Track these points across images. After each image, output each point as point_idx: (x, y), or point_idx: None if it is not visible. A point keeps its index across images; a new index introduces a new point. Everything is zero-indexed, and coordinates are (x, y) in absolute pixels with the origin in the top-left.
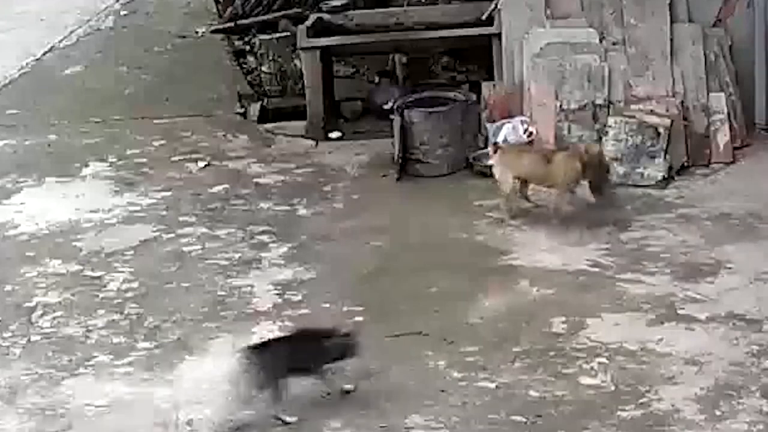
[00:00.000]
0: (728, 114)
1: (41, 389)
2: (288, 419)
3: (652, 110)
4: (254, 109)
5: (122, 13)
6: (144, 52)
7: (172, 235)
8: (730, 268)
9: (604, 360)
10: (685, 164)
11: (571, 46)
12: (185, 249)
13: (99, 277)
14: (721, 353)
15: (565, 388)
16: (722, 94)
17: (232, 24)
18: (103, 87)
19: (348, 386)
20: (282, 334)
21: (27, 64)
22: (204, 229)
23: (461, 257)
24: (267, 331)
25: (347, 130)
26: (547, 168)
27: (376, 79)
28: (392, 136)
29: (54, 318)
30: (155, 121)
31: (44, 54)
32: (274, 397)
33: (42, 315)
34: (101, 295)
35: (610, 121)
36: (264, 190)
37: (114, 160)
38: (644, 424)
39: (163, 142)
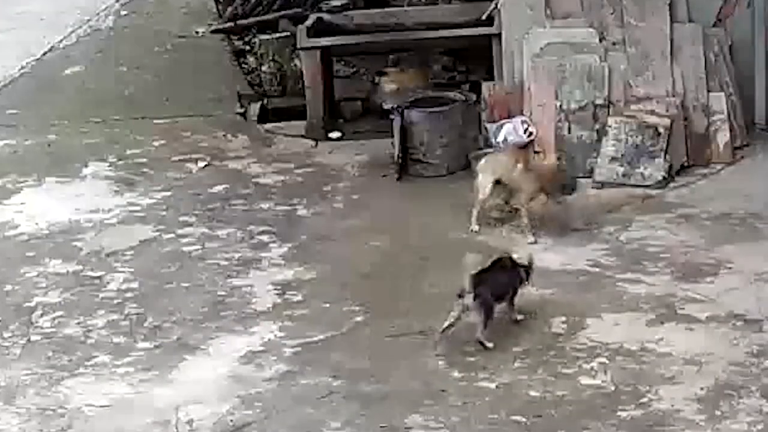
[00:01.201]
0: (728, 114)
1: (41, 389)
2: (488, 345)
3: (652, 110)
4: (254, 109)
5: (122, 13)
6: (144, 52)
7: (172, 235)
8: (730, 268)
9: (604, 360)
10: (685, 164)
11: (571, 46)
12: (185, 249)
13: (99, 277)
14: (721, 353)
15: (565, 388)
16: (722, 94)
17: (232, 24)
18: (103, 87)
19: (520, 316)
20: (486, 265)
21: (27, 64)
22: (204, 229)
23: (461, 257)
24: (268, 331)
25: (347, 130)
26: (523, 170)
27: (376, 79)
28: (392, 136)
29: (54, 318)
30: (155, 121)
31: (44, 54)
32: (485, 322)
33: (42, 315)
34: (101, 295)
35: (610, 121)
36: (264, 190)
37: (114, 160)
38: (644, 424)
39: (163, 142)
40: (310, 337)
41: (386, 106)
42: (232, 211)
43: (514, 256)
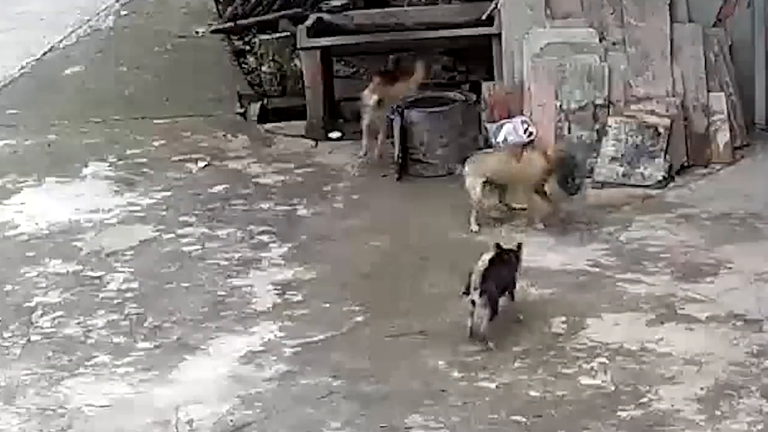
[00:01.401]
0: (728, 114)
1: (41, 389)
2: (490, 344)
3: (652, 110)
4: (254, 109)
5: (122, 13)
6: (144, 52)
7: (172, 235)
8: (730, 268)
9: (604, 360)
10: (685, 164)
11: (571, 46)
12: (185, 249)
13: (99, 277)
14: (721, 353)
15: (565, 388)
16: (722, 94)
17: (232, 24)
18: (103, 87)
19: (520, 315)
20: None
21: (27, 64)
22: (204, 229)
23: (461, 257)
24: (268, 331)
25: (347, 130)
26: (515, 166)
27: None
28: (392, 136)
29: (54, 318)
30: (155, 121)
31: (44, 54)
32: (491, 316)
33: (42, 315)
34: (101, 295)
35: (610, 121)
36: (264, 190)
37: (114, 160)
38: (644, 424)
39: (163, 142)
40: (310, 337)
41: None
42: (232, 211)
43: (503, 245)
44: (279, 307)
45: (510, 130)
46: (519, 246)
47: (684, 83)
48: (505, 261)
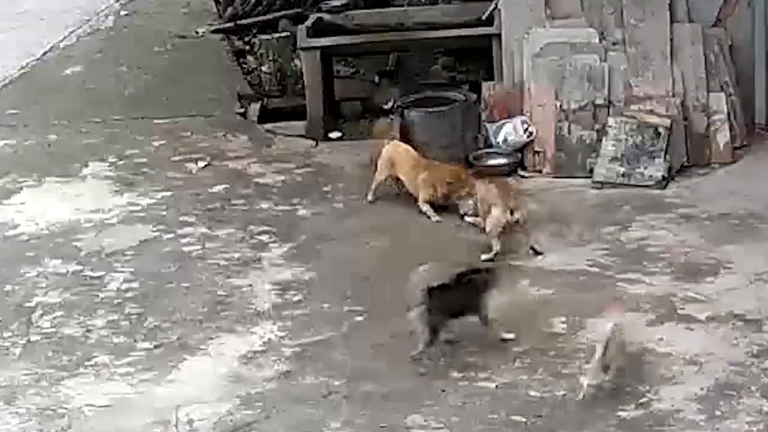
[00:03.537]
0: (728, 114)
1: (41, 389)
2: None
3: (652, 110)
4: (254, 109)
5: (122, 13)
6: (144, 52)
7: (172, 235)
8: (730, 268)
9: None
10: (685, 164)
11: (571, 46)
12: (185, 249)
13: (99, 277)
14: (721, 353)
15: (565, 388)
16: (722, 94)
17: (232, 24)
18: (103, 87)
19: (509, 335)
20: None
21: (27, 64)
22: (204, 229)
23: (461, 257)
24: (268, 331)
25: (347, 130)
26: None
27: (376, 79)
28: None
29: (54, 318)
30: (155, 121)
31: (44, 54)
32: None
33: (42, 315)
34: (101, 295)
35: (610, 121)
36: (264, 190)
37: (114, 160)
38: (644, 424)
39: (163, 142)
40: (310, 337)
41: (386, 107)
42: (232, 211)
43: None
44: (279, 307)
45: (510, 130)
46: (488, 270)
47: (684, 83)
48: (464, 284)
